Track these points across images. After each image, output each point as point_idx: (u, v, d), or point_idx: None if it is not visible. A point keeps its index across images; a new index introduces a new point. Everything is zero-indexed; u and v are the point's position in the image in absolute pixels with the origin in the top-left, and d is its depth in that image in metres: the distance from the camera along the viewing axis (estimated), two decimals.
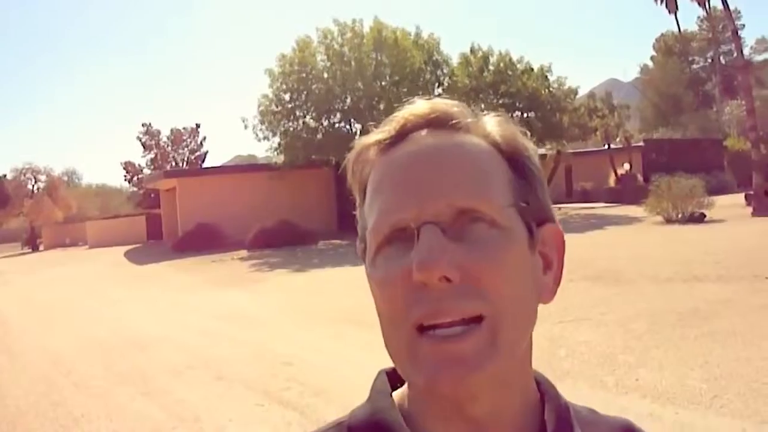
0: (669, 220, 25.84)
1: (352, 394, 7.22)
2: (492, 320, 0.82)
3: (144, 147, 64.98)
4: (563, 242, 0.98)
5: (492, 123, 0.96)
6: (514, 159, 0.93)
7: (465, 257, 0.82)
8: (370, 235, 0.90)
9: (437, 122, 0.92)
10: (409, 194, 0.86)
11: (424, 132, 0.91)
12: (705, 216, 25.61)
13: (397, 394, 0.98)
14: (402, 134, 0.93)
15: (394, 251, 0.86)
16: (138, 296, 20.32)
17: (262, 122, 35.76)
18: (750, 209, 27.21)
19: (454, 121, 0.92)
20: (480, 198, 0.85)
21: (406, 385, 0.98)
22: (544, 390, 0.98)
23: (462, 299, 0.81)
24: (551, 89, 39.11)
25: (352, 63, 35.61)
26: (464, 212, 0.84)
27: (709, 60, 77.16)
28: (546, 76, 39.02)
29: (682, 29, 77.32)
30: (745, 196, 30.96)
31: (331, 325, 12.98)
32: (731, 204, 29.73)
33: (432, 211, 0.84)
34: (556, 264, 0.97)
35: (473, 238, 0.84)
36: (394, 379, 0.99)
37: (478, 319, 0.82)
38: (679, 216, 25.81)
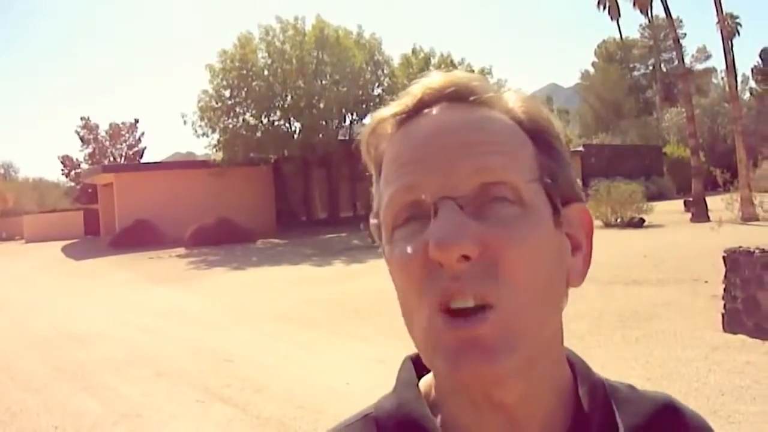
0: (608, 225, 25.93)
1: (292, 391, 7.15)
2: (505, 306, 0.78)
3: (82, 141, 64.04)
4: (591, 222, 0.94)
5: (514, 98, 0.91)
6: (537, 135, 0.89)
7: (485, 234, 0.78)
8: (385, 211, 0.86)
9: (456, 96, 0.87)
10: (426, 168, 0.82)
11: (442, 105, 0.87)
12: (644, 221, 25.75)
13: (423, 383, 0.95)
14: (419, 107, 0.88)
15: (410, 229, 0.82)
16: (76, 292, 20.18)
17: (201, 118, 35.66)
18: (689, 215, 27.41)
19: (473, 96, 0.88)
20: (502, 171, 0.82)
21: (432, 373, 0.94)
22: (577, 370, 0.95)
23: (480, 281, 0.77)
24: None
25: (294, 61, 35.61)
26: (485, 187, 0.80)
27: (650, 67, 78.05)
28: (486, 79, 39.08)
29: (624, 36, 78.34)
30: (684, 203, 31.22)
31: (269, 323, 13.04)
32: (670, 210, 30.02)
33: (450, 184, 0.80)
34: (585, 245, 0.93)
35: (494, 216, 0.80)
36: (419, 365, 0.94)
37: (491, 307, 0.77)
38: (618, 221, 25.94)
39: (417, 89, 0.89)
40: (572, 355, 0.97)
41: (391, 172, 0.86)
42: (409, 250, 0.80)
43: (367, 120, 0.94)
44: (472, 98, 0.87)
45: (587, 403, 0.90)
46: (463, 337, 0.77)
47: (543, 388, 0.87)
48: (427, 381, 0.95)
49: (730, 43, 30.13)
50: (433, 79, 0.89)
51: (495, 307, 0.77)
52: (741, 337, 8.88)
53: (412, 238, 0.81)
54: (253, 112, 36.30)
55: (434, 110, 0.86)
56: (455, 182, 0.80)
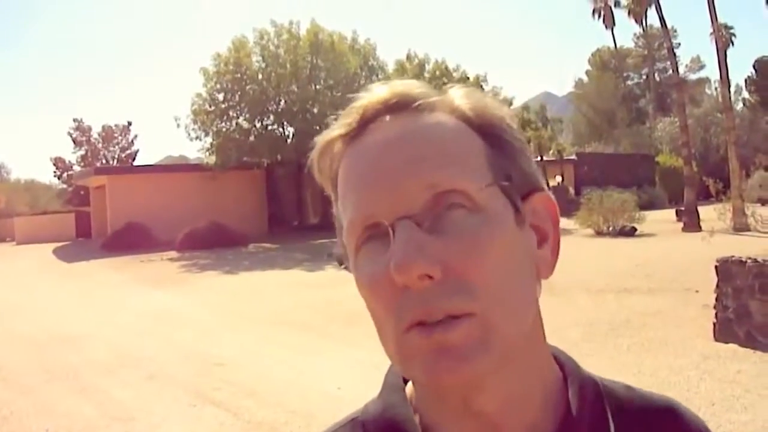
0: (600, 233, 25.99)
1: (284, 396, 7.13)
2: (482, 315, 0.77)
3: (75, 143, 63.78)
4: (556, 210, 0.92)
5: (459, 95, 0.90)
6: (488, 132, 0.87)
7: (445, 250, 0.77)
8: (347, 235, 0.85)
9: (398, 106, 0.86)
10: (378, 188, 0.81)
11: (386, 118, 0.85)
12: (636, 230, 25.79)
13: (409, 388, 0.94)
14: (363, 124, 0.87)
15: (373, 249, 0.81)
16: (67, 294, 20.11)
17: (194, 122, 35.63)
18: (681, 224, 27.42)
19: (416, 103, 0.86)
20: (454, 179, 0.80)
21: None
22: (567, 370, 0.94)
23: (448, 297, 0.77)
24: None
25: (288, 65, 35.58)
26: (439, 198, 0.79)
27: (644, 77, 78.27)
28: (481, 86, 39.09)
29: (618, 45, 78.50)
30: (676, 212, 31.25)
31: (261, 327, 13.06)
32: (662, 219, 30.05)
33: (405, 203, 0.79)
34: (551, 235, 0.91)
35: (452, 227, 0.79)
36: None
37: (467, 315, 0.77)
38: (610, 229, 25.99)
39: (359, 105, 0.88)
40: (561, 355, 0.96)
41: (345, 196, 0.86)
42: (375, 272, 0.80)
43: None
44: (414, 104, 0.86)
45: (576, 404, 0.89)
46: (437, 344, 0.76)
47: (526, 391, 0.86)
48: (412, 386, 0.95)
49: (724, 53, 30.18)
50: (374, 93, 0.88)
51: (469, 315, 0.77)
52: (732, 346, 8.91)
53: (376, 259, 0.80)
54: (247, 116, 36.23)
55: (378, 126, 0.85)
56: (407, 201, 0.79)
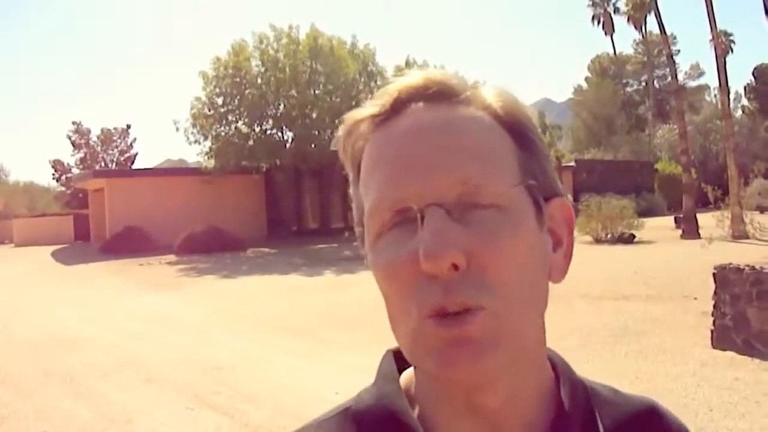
0: (598, 240, 25.96)
1: (281, 400, 7.13)
2: (498, 312, 0.78)
3: (73, 146, 63.68)
4: (572, 217, 0.93)
5: (492, 93, 0.90)
6: (517, 131, 0.88)
7: (471, 242, 0.78)
8: (368, 218, 0.85)
9: (434, 95, 0.86)
10: (410, 173, 0.81)
11: (420, 105, 0.86)
12: (634, 237, 25.79)
13: (404, 378, 0.95)
14: (397, 108, 0.86)
15: (396, 235, 0.81)
16: (65, 296, 20.06)
17: (193, 125, 35.58)
18: (679, 232, 27.45)
19: (452, 94, 0.86)
20: (486, 174, 0.81)
21: (413, 368, 0.95)
22: (559, 371, 0.95)
23: (469, 289, 0.77)
24: None
25: (287, 70, 35.55)
26: (469, 190, 0.80)
27: (643, 83, 78.32)
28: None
29: (617, 52, 78.56)
30: (675, 219, 31.23)
31: (260, 331, 13.03)
32: (661, 226, 30.07)
33: (436, 190, 0.79)
34: (566, 240, 0.92)
35: (479, 220, 0.79)
36: (400, 359, 0.94)
37: (481, 309, 0.77)
38: (609, 236, 25.98)
39: (394, 88, 0.88)
40: (554, 355, 0.97)
41: (371, 177, 0.85)
42: (397, 257, 0.80)
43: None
44: (450, 98, 0.86)
45: (568, 404, 0.90)
46: (453, 337, 0.77)
47: (526, 390, 0.88)
48: (407, 375, 0.95)
49: (723, 60, 30.20)
50: (411, 78, 0.88)
51: (485, 310, 0.77)
52: (730, 353, 8.91)
53: (399, 245, 0.80)
54: (246, 120, 36.19)
55: (412, 111, 0.85)
56: (439, 189, 0.79)
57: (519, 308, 0.80)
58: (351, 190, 0.93)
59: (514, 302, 0.79)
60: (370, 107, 0.88)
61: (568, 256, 0.92)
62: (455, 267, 0.76)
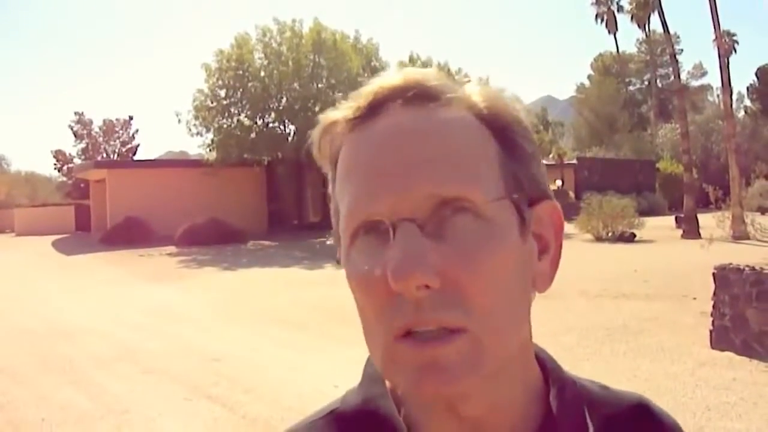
0: (599, 239, 25.99)
1: (280, 392, 7.13)
2: (474, 333, 0.75)
3: (75, 136, 63.60)
4: (561, 221, 0.90)
5: (476, 92, 0.86)
6: (501, 132, 0.84)
7: (446, 261, 0.74)
8: (343, 224, 0.82)
9: (412, 96, 0.81)
10: (383, 183, 0.77)
11: (398, 107, 0.81)
12: (635, 236, 25.80)
13: None
14: (373, 110, 0.82)
15: (368, 244, 0.78)
16: (65, 287, 20.10)
17: (196, 117, 35.53)
18: (680, 231, 27.45)
19: (431, 96, 0.82)
20: (464, 186, 0.77)
21: None
22: (548, 368, 0.93)
23: (443, 309, 0.74)
24: None
25: (290, 63, 35.52)
26: (446, 203, 0.76)
27: (646, 82, 78.26)
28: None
29: (620, 50, 78.50)
30: (676, 219, 31.22)
31: (259, 323, 13.07)
32: (661, 225, 30.06)
33: (409, 204, 0.76)
34: (553, 246, 0.89)
35: (455, 236, 0.76)
36: None
37: (459, 331, 0.75)
38: (609, 235, 25.99)
39: (370, 90, 0.84)
40: (541, 352, 0.95)
41: (346, 182, 0.82)
42: (368, 270, 0.77)
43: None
44: (429, 99, 0.82)
45: (557, 404, 0.89)
46: (424, 359, 0.74)
47: (510, 396, 0.86)
48: None
49: (726, 60, 30.23)
50: (389, 79, 0.84)
51: (464, 332, 0.75)
52: (728, 354, 8.92)
53: (371, 257, 0.77)
54: (248, 113, 36.17)
55: (389, 114, 0.81)
56: (414, 202, 0.76)
57: (498, 328, 0.78)
58: (330, 189, 0.90)
59: (492, 322, 0.77)
60: (345, 108, 0.85)
61: (555, 263, 0.90)
62: (427, 287, 0.73)
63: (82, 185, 51.68)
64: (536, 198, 0.85)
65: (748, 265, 9.28)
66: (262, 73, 35.88)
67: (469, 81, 0.89)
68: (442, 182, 0.76)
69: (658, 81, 75.49)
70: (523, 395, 0.88)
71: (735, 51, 61.15)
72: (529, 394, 0.89)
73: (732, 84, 31.26)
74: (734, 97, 45.50)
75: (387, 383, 0.92)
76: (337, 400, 0.97)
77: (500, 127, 0.84)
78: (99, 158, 56.60)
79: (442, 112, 0.81)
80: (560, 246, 0.90)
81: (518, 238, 0.81)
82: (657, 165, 51.18)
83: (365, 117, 0.83)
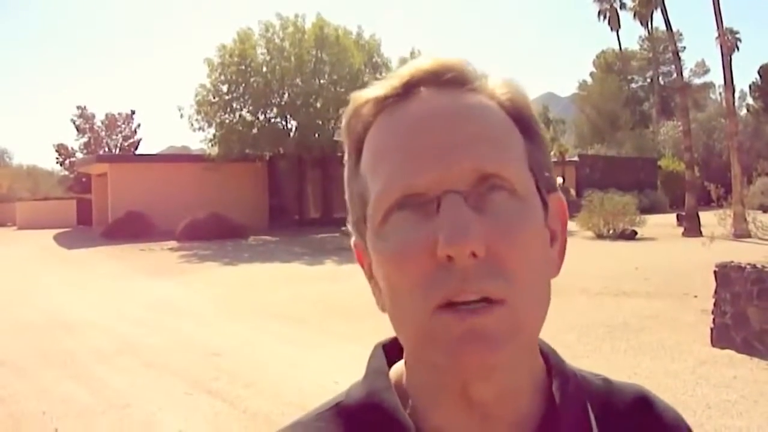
0: (600, 236, 25.96)
1: (280, 387, 7.14)
2: (514, 303, 0.77)
3: (78, 130, 63.39)
4: (566, 213, 0.94)
5: (499, 83, 0.89)
6: (523, 122, 0.87)
7: (489, 231, 0.77)
8: (376, 202, 0.82)
9: (446, 81, 0.84)
10: (424, 160, 0.79)
11: (431, 90, 0.84)
12: (636, 233, 25.76)
13: (393, 372, 0.94)
14: (406, 91, 0.84)
15: (406, 219, 0.79)
16: (66, 280, 20.13)
17: (198, 112, 35.51)
18: (681, 229, 27.40)
19: (464, 81, 0.85)
20: (503, 163, 0.80)
21: (403, 362, 0.93)
22: (551, 361, 0.94)
23: (486, 278, 0.76)
24: None
25: (292, 58, 35.54)
26: (486, 178, 0.79)
27: (648, 80, 78.17)
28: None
29: (623, 47, 78.39)
30: (677, 216, 31.11)
31: (259, 319, 13.08)
32: (663, 223, 29.99)
33: (452, 177, 0.78)
34: (560, 236, 0.92)
35: (494, 209, 0.79)
36: (390, 353, 0.96)
37: (500, 302, 0.76)
38: (611, 232, 25.98)
39: (405, 71, 0.86)
40: (544, 345, 0.96)
41: (379, 164, 0.83)
42: (410, 243, 0.78)
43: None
44: (462, 85, 0.85)
45: (559, 395, 0.89)
46: (467, 328, 0.75)
47: (520, 382, 0.87)
48: (397, 370, 0.94)
49: (729, 58, 30.13)
50: (423, 62, 0.86)
51: (503, 302, 0.76)
52: (729, 352, 8.92)
53: (412, 230, 0.78)
54: (250, 108, 36.21)
55: (423, 96, 0.84)
56: (455, 176, 0.78)
57: (534, 301, 0.81)
58: (346, 174, 0.91)
59: (529, 294, 0.79)
60: (379, 87, 0.87)
61: (562, 252, 0.92)
62: (474, 255, 0.75)
63: (83, 179, 51.72)
64: (549, 189, 0.88)
65: (749, 263, 9.28)
66: (265, 69, 35.83)
67: (490, 73, 0.90)
68: (483, 159, 0.79)
69: (660, 78, 75.40)
70: (530, 385, 0.89)
71: (738, 49, 61.19)
72: (533, 384, 0.89)
73: (734, 82, 31.19)
74: (737, 94, 45.47)
75: (392, 377, 0.93)
76: (342, 393, 0.97)
77: (522, 118, 0.87)
78: (101, 152, 56.45)
79: (472, 97, 0.84)
80: (566, 236, 0.93)
81: (543, 221, 0.85)
82: (659, 162, 51.17)
83: (398, 98, 0.85)
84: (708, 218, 25.77)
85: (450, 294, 0.76)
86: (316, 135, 34.79)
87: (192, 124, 35.86)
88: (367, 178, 0.85)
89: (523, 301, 0.78)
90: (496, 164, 0.79)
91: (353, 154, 0.89)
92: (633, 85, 79.20)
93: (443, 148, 0.79)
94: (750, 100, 70.00)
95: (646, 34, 74.70)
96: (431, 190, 0.78)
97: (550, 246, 0.88)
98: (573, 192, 41.46)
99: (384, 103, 0.85)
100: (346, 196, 0.91)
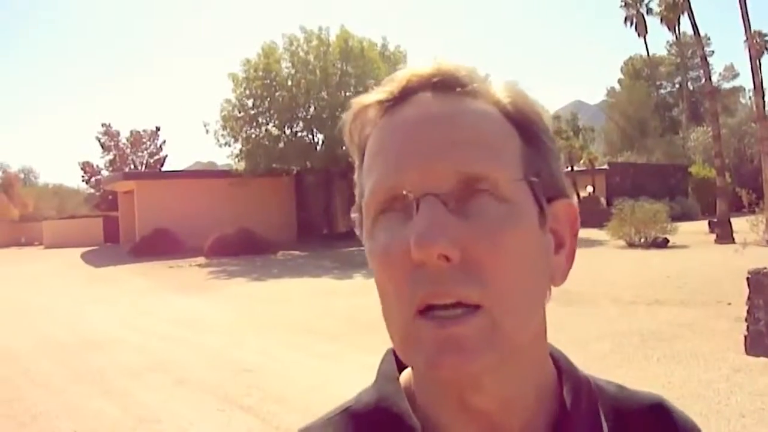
0: (632, 245, 25.89)
1: (312, 403, 7.13)
2: (491, 310, 0.77)
3: (103, 147, 63.81)
4: (577, 218, 0.91)
5: (501, 87, 0.89)
6: (524, 127, 0.87)
7: (467, 235, 0.76)
8: (367, 203, 0.84)
9: (442, 85, 0.85)
10: (410, 159, 0.80)
11: (428, 94, 0.85)
12: (668, 241, 25.67)
13: (404, 377, 0.94)
14: (404, 95, 0.86)
15: (392, 221, 0.81)
16: (95, 298, 20.23)
17: (224, 127, 35.73)
18: (713, 236, 27.24)
19: (460, 86, 0.85)
20: (487, 166, 0.80)
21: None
22: (561, 367, 0.94)
23: (461, 283, 0.76)
24: None
25: (317, 72, 35.64)
26: (469, 181, 0.79)
27: (677, 85, 77.84)
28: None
29: (651, 53, 78.12)
30: (709, 223, 30.90)
31: (290, 334, 13.06)
32: (695, 230, 29.85)
33: (434, 178, 0.78)
34: (569, 243, 0.90)
35: (477, 213, 0.78)
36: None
37: (477, 308, 0.76)
38: (642, 240, 25.87)
39: (402, 76, 0.87)
40: (555, 351, 0.96)
41: (373, 162, 0.84)
42: (392, 245, 0.79)
43: None
44: (458, 89, 0.85)
45: (570, 401, 0.89)
46: (444, 336, 0.75)
47: (521, 390, 0.86)
48: (407, 374, 0.95)
49: (758, 61, 30.01)
50: (421, 66, 0.87)
51: (480, 309, 0.76)
52: (763, 359, 8.83)
53: (393, 232, 0.79)
54: (276, 122, 36.30)
55: (419, 100, 0.84)
56: (438, 178, 0.78)
57: (513, 308, 0.79)
58: (355, 176, 0.92)
59: (508, 301, 0.78)
60: (377, 93, 0.88)
61: (570, 258, 0.91)
62: (447, 259, 0.75)
63: (110, 197, 52.12)
64: (554, 195, 0.87)
65: None
66: (290, 82, 35.98)
67: (495, 79, 0.90)
68: (465, 162, 0.79)
69: (689, 84, 75.05)
70: (534, 392, 0.88)
71: (767, 52, 60.68)
72: (542, 392, 0.89)
73: (764, 86, 30.97)
74: (767, 98, 45.20)
75: (402, 382, 0.93)
76: (352, 398, 0.98)
77: (523, 123, 0.86)
78: (126, 170, 56.75)
79: (469, 101, 0.84)
80: (575, 243, 0.91)
81: (536, 224, 0.83)
82: (689, 169, 50.86)
83: (396, 102, 0.86)
84: (740, 224, 25.67)
85: (427, 296, 0.76)
86: (343, 148, 34.50)
87: (218, 140, 36.09)
88: (365, 179, 0.87)
89: (502, 307, 0.77)
90: (479, 167, 0.79)
91: (358, 156, 0.91)
92: (662, 91, 78.98)
93: (427, 150, 0.79)
94: None
95: (674, 39, 74.42)
96: (414, 192, 0.78)
97: (554, 252, 0.88)
98: (603, 201, 41.30)
99: (383, 107, 0.87)
100: (356, 198, 0.91)
